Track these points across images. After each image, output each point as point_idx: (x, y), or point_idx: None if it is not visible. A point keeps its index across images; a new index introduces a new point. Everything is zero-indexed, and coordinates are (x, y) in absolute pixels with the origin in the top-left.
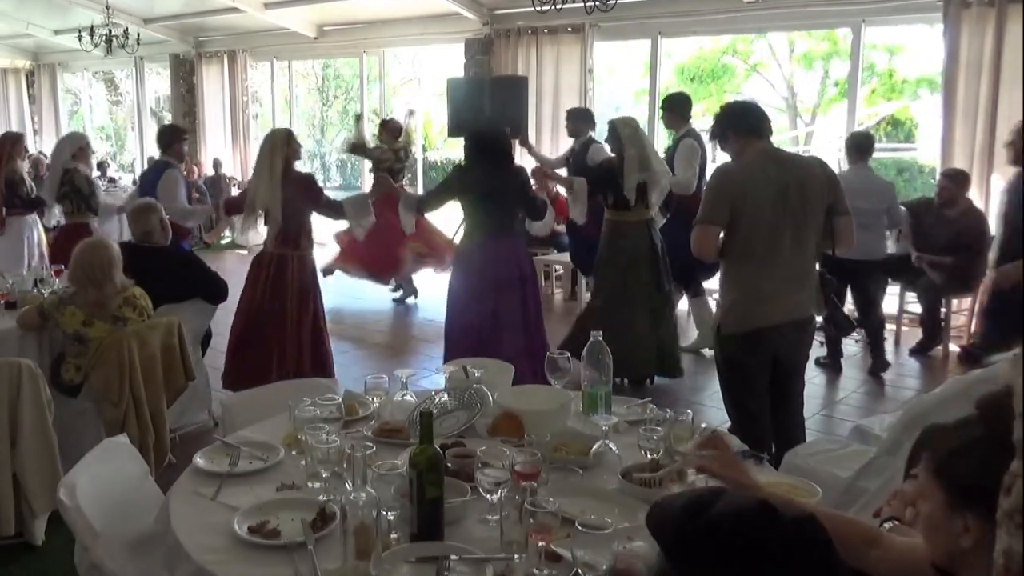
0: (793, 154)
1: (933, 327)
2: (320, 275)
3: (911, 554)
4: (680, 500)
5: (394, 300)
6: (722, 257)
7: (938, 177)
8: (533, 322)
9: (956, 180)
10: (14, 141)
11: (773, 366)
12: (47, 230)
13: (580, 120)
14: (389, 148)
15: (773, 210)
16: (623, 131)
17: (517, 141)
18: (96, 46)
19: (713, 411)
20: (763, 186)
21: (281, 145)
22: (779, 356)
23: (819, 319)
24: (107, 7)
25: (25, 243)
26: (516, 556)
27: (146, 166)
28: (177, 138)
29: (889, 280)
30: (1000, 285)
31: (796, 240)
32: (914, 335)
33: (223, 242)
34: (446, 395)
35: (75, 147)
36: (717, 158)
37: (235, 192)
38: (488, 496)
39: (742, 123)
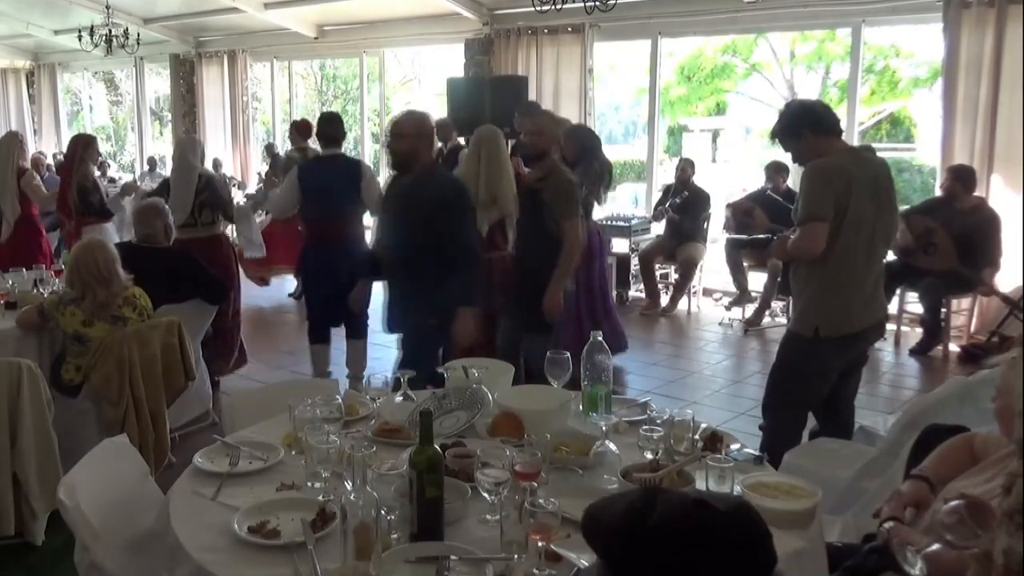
0: (867, 151)
1: (934, 327)
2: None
3: None
4: (616, 509)
5: (291, 295)
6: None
7: (944, 172)
8: None
9: (960, 176)
10: (86, 144)
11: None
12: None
13: (445, 128)
14: (296, 148)
15: (870, 207)
16: (593, 141)
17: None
18: (96, 46)
19: (713, 411)
20: (862, 182)
21: (503, 142)
22: (856, 357)
23: None
24: (107, 7)
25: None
26: (516, 556)
27: (167, 163)
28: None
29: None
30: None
31: (883, 237)
32: (914, 335)
33: None
34: (446, 395)
35: (202, 150)
36: (717, 158)
37: (237, 192)
38: (488, 496)
39: (823, 122)
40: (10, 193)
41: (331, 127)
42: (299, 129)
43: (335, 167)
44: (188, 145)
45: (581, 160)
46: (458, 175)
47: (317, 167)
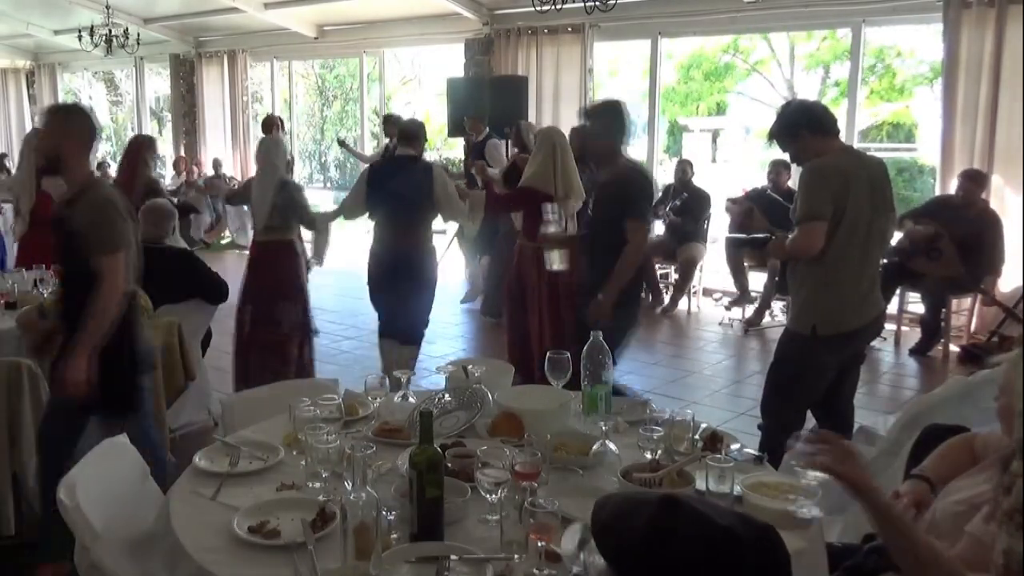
0: (864, 152)
1: (933, 327)
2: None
3: None
4: (636, 522)
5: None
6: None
7: (959, 178)
8: None
9: (977, 180)
10: (148, 145)
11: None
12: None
13: (392, 124)
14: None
15: (867, 207)
16: None
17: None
18: (96, 46)
19: (713, 411)
20: (860, 182)
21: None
22: (854, 355)
23: None
24: (107, 7)
25: None
26: (516, 556)
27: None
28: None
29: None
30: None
31: (880, 237)
32: (914, 335)
33: (223, 242)
34: (446, 395)
35: (287, 156)
36: (717, 158)
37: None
38: (488, 496)
39: (821, 122)
40: (27, 188)
41: (410, 127)
42: (264, 125)
43: (405, 169)
44: (272, 147)
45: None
46: (531, 173)
47: (387, 169)
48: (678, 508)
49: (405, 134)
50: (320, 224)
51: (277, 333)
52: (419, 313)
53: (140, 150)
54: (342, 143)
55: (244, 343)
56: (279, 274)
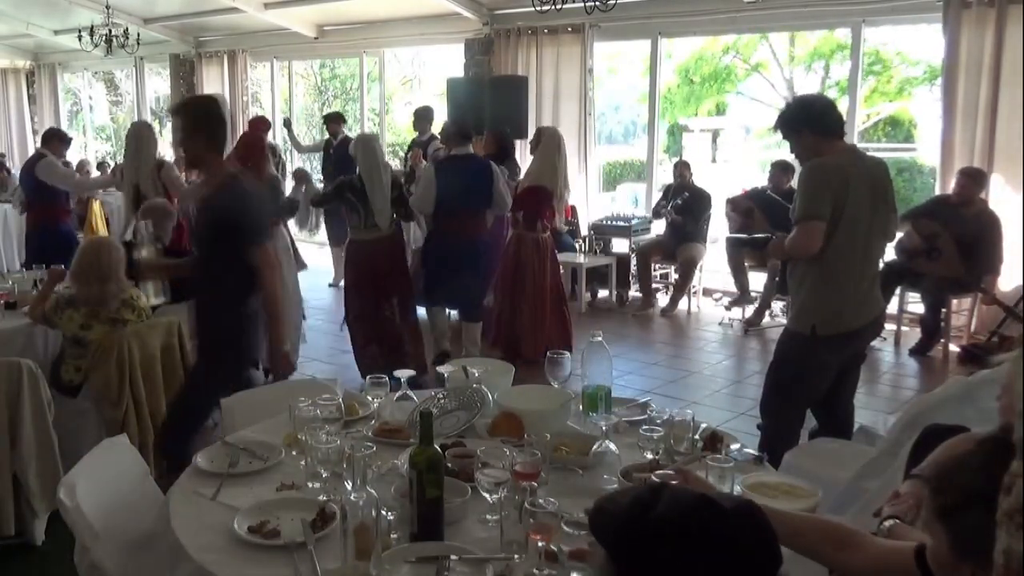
0: (866, 152)
1: (933, 327)
2: None
3: (887, 558)
4: (623, 501)
5: (330, 284)
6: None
7: (956, 175)
8: None
9: (975, 178)
10: (265, 142)
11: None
12: None
13: (335, 123)
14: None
15: (867, 207)
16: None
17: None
18: (96, 46)
19: (713, 411)
20: (860, 181)
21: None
22: (854, 355)
23: None
24: (107, 7)
25: (289, 260)
26: (516, 556)
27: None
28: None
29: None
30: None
31: (880, 236)
32: (914, 335)
33: None
34: (446, 395)
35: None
36: (717, 158)
37: None
38: (488, 496)
39: (823, 121)
40: (150, 183)
41: (459, 128)
42: (254, 124)
43: (468, 167)
44: (376, 145)
45: (504, 159)
46: (537, 171)
47: (451, 166)
48: (663, 488)
49: (456, 136)
50: (416, 218)
51: (411, 320)
52: (480, 293)
53: (264, 147)
54: (287, 124)
55: (395, 332)
56: (407, 266)
